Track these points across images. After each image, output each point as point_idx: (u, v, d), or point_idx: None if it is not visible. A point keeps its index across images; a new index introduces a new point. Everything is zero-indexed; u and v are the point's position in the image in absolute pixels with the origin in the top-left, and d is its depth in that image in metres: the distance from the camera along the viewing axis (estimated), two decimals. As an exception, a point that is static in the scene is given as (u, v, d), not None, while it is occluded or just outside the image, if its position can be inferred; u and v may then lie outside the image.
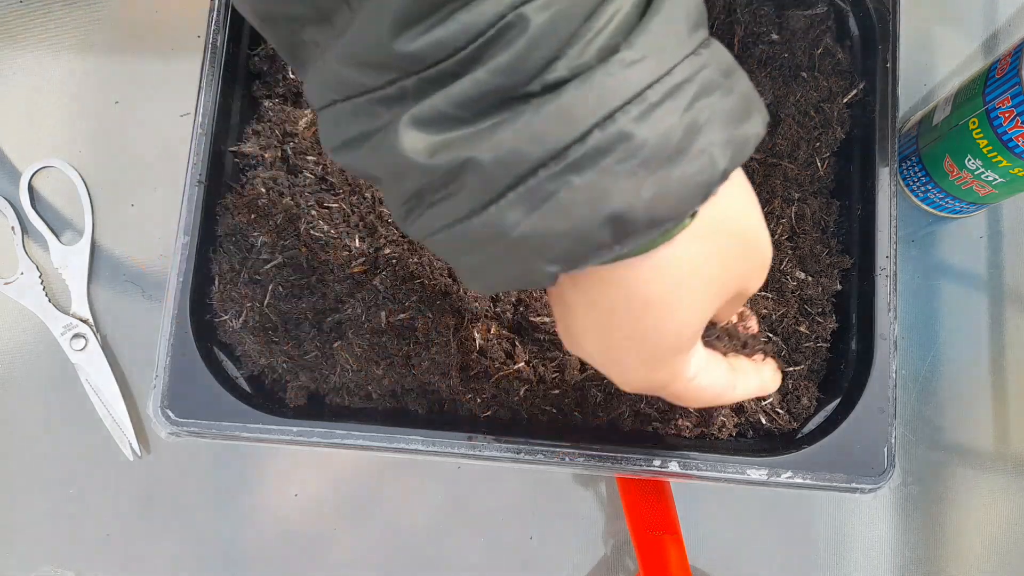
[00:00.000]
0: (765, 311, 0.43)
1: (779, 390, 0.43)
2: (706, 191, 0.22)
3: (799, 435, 0.42)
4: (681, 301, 0.24)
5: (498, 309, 0.42)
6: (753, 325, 0.37)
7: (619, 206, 0.21)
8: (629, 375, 0.27)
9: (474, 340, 0.41)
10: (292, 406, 0.42)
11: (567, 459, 0.39)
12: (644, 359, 0.26)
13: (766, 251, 0.27)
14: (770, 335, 0.42)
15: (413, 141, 0.21)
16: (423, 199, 0.22)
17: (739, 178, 0.25)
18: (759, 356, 0.35)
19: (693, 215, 0.23)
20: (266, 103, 0.45)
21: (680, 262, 0.24)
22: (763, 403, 0.42)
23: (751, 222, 0.26)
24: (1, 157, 0.52)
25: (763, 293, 0.43)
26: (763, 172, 0.44)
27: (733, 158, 0.22)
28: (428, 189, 0.22)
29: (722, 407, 0.42)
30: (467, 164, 0.21)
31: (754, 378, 0.33)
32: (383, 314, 0.42)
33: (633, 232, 0.21)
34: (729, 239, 0.25)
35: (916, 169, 0.49)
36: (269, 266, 0.43)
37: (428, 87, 0.20)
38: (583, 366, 0.42)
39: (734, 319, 0.35)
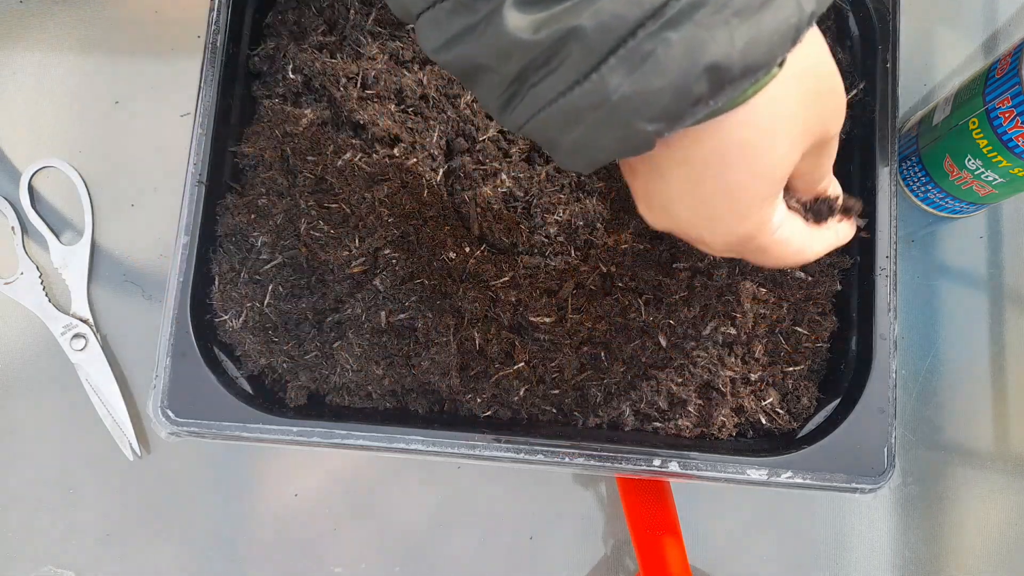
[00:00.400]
0: (764, 311, 0.43)
1: (779, 390, 0.43)
2: (795, 35, 0.23)
3: (799, 435, 0.42)
4: (774, 142, 0.26)
5: (498, 309, 0.42)
6: (834, 192, 0.37)
7: (715, 56, 0.22)
8: (719, 229, 0.28)
9: (474, 340, 0.41)
10: (292, 406, 0.42)
11: (567, 459, 0.39)
12: (736, 209, 0.27)
13: (842, 94, 0.29)
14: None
15: (517, 21, 0.22)
16: (525, 80, 0.23)
17: (814, 28, 0.27)
18: (837, 217, 0.36)
19: (781, 64, 0.24)
20: (266, 103, 0.45)
21: (771, 105, 0.25)
22: (763, 403, 0.42)
23: (830, 67, 0.27)
24: (1, 157, 0.52)
25: (762, 292, 0.43)
26: (763, 172, 0.44)
27: (819, 1, 0.23)
28: (531, 67, 0.23)
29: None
30: (570, 34, 0.22)
31: (831, 233, 0.34)
32: (383, 314, 0.42)
33: (729, 81, 0.23)
34: (812, 82, 0.26)
35: (916, 169, 0.49)
36: (269, 266, 0.43)
37: None
38: (583, 366, 0.42)
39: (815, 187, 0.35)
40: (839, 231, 0.35)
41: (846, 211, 0.36)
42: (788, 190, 0.33)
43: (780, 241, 0.30)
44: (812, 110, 0.27)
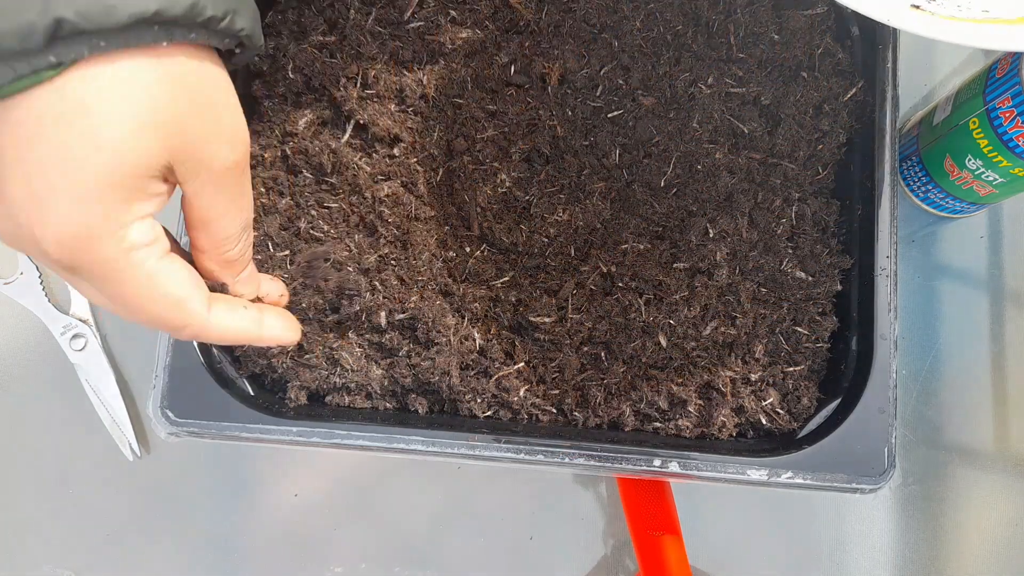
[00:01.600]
0: (765, 311, 0.43)
1: (779, 390, 0.43)
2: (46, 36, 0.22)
3: (799, 435, 0.42)
4: (114, 111, 0.24)
5: (498, 309, 0.42)
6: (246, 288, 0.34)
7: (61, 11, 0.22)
8: (52, 214, 0.24)
9: (474, 340, 0.41)
10: (292, 406, 0.42)
11: (567, 459, 0.39)
12: (75, 182, 0.24)
13: (228, 130, 0.28)
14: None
15: None
16: None
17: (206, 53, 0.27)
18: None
19: (63, 68, 0.23)
20: (266, 103, 0.45)
21: (113, 75, 0.24)
22: (763, 403, 0.42)
23: (212, 90, 0.27)
24: (1, 157, 0.52)
25: (763, 292, 0.43)
26: (763, 172, 0.44)
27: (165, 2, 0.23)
28: None
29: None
30: None
31: (245, 316, 0.31)
32: (383, 314, 0.42)
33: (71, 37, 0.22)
34: (182, 89, 0.26)
35: (916, 169, 0.49)
36: (269, 266, 0.43)
37: None
38: (583, 366, 0.42)
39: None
40: (264, 321, 0.32)
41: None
42: (198, 250, 0.30)
43: (137, 267, 0.26)
44: (176, 112, 0.25)
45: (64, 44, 0.23)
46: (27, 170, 0.24)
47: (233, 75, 0.45)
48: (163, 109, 0.25)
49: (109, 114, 0.24)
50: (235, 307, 0.31)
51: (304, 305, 0.43)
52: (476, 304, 0.42)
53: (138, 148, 0.25)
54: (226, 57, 0.29)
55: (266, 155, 0.44)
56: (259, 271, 0.43)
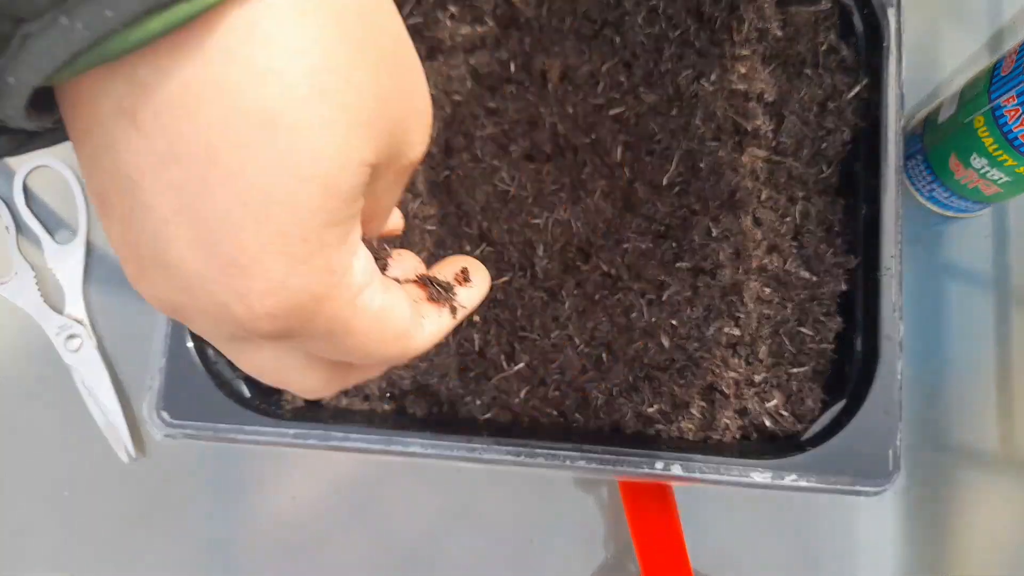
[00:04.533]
0: (769, 312, 0.42)
1: (783, 392, 0.42)
2: None
3: (804, 437, 0.42)
4: (319, 106, 0.15)
5: (498, 310, 0.42)
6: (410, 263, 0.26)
7: None
8: (262, 281, 0.16)
9: (474, 341, 0.41)
10: (289, 408, 0.42)
11: (568, 462, 0.39)
12: (279, 231, 0.16)
13: (421, 84, 0.19)
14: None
15: None
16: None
17: None
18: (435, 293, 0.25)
19: None
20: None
21: (298, 30, 0.15)
22: (767, 405, 0.42)
23: (394, 26, 0.18)
24: (-5, 156, 0.51)
25: (767, 292, 0.43)
26: (767, 170, 0.44)
27: None
28: None
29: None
30: None
31: (446, 312, 0.24)
32: (381, 314, 0.41)
33: None
34: (365, 31, 0.17)
35: (921, 168, 0.49)
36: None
37: None
38: (584, 367, 0.42)
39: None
40: (462, 302, 0.24)
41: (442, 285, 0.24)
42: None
43: (371, 313, 0.19)
44: (377, 82, 0.17)
45: None
46: (201, 223, 0.16)
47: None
48: (370, 87, 0.17)
49: (317, 105, 0.15)
50: (438, 309, 0.24)
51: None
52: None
53: (358, 157, 0.17)
54: None
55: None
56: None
